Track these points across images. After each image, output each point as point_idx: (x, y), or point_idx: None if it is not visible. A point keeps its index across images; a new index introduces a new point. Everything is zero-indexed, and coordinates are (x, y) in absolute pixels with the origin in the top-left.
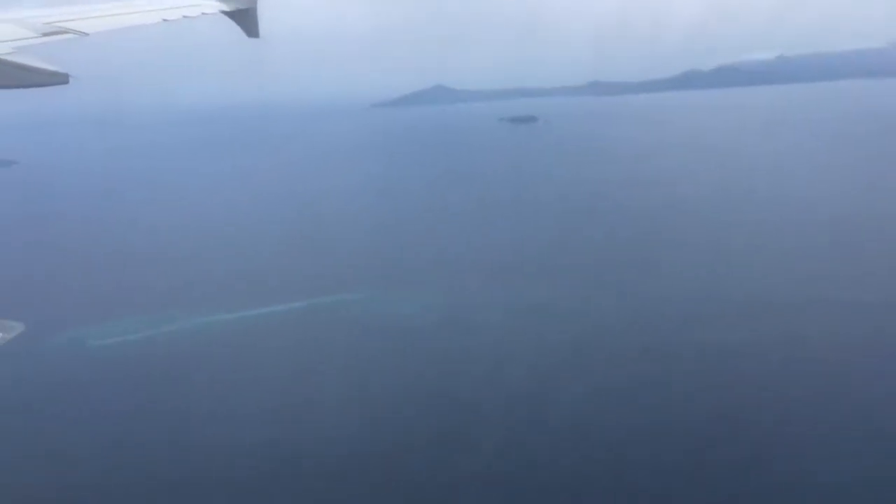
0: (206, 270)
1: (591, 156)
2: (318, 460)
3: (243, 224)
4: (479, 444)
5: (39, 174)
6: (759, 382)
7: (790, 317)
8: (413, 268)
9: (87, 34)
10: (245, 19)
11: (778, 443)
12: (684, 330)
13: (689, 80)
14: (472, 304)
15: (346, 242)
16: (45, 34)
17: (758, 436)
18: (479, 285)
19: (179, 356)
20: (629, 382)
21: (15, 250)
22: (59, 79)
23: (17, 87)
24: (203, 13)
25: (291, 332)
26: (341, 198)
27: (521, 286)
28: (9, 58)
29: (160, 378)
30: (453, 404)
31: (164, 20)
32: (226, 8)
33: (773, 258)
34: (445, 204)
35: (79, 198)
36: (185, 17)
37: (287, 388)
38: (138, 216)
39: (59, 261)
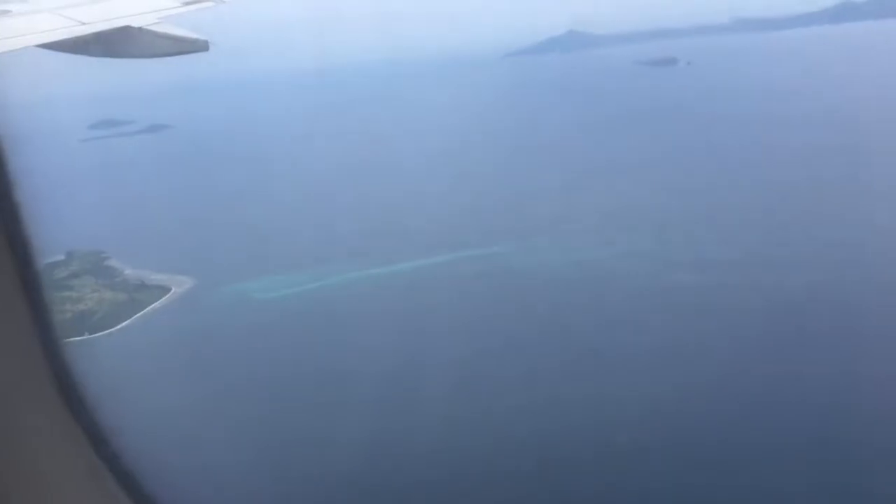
0: (368, 223)
1: (739, 98)
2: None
3: (397, 178)
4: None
5: (195, 138)
6: None
7: None
8: (581, 220)
9: (224, 1)
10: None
11: None
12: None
13: (844, 12)
14: (637, 257)
15: (506, 195)
16: (186, 3)
17: None
18: (644, 240)
19: (340, 308)
20: None
21: (180, 210)
22: (200, 46)
23: (162, 55)
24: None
25: (455, 283)
26: (496, 151)
27: (689, 240)
28: (153, 28)
29: (325, 329)
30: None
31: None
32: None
33: None
34: (601, 153)
35: (236, 160)
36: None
37: (457, 339)
38: (296, 178)
39: (219, 220)
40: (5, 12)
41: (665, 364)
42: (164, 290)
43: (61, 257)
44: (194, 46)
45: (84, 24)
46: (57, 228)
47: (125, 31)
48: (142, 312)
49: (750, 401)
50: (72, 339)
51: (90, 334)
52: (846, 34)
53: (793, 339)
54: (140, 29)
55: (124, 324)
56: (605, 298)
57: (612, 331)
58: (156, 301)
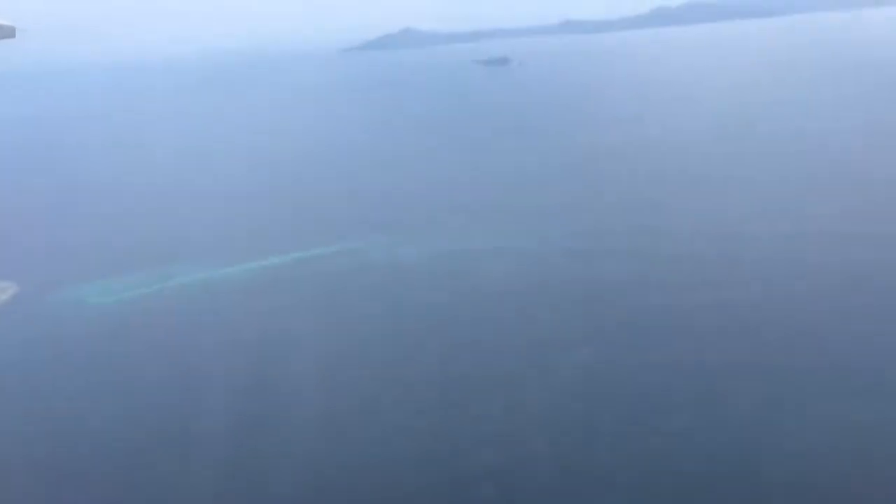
0: (195, 224)
1: (568, 95)
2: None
3: (228, 175)
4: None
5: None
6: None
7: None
8: (407, 214)
9: None
10: None
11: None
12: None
13: (658, 17)
14: (464, 247)
15: (336, 190)
16: None
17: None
18: (470, 228)
19: (180, 312)
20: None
21: None
22: (6, 32)
23: None
24: None
25: (292, 284)
26: (326, 145)
27: (508, 227)
28: None
29: (163, 335)
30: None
31: None
32: None
33: (750, 191)
34: (431, 147)
35: (51, 152)
36: None
37: (291, 341)
38: (117, 171)
39: (43, 219)
40: None
41: None
42: None
43: None
44: (1, 33)
45: None
46: None
47: None
48: None
49: None
50: None
51: None
52: (660, 37)
53: None
54: None
55: None
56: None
57: None
58: None
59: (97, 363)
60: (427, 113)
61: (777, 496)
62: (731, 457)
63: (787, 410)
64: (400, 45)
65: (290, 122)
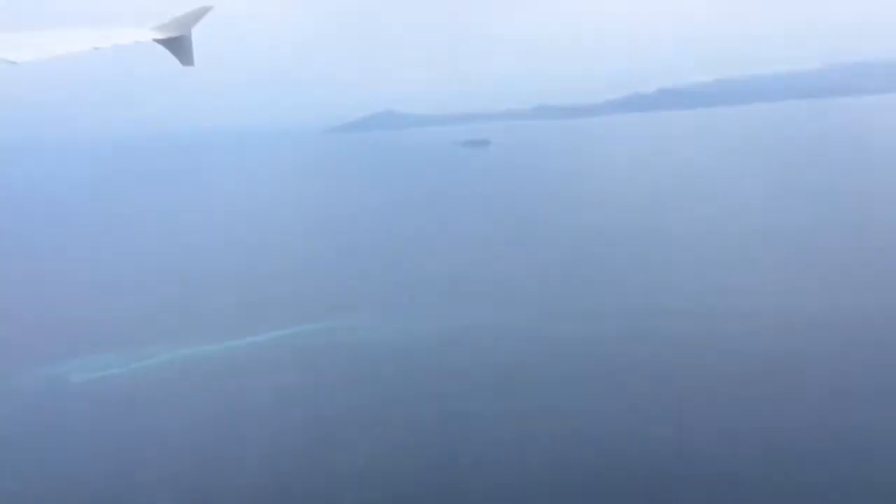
0: (180, 301)
1: (549, 178)
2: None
3: (212, 254)
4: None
5: None
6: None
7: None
8: (388, 293)
9: (16, 63)
10: (179, 47)
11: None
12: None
13: (632, 103)
14: (446, 326)
15: (318, 269)
16: None
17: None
18: (451, 308)
19: (165, 390)
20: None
21: None
22: None
23: None
24: (135, 41)
25: (275, 362)
26: (310, 225)
27: (491, 307)
28: None
29: (147, 414)
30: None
31: (95, 48)
32: (159, 35)
33: (715, 268)
34: (419, 228)
35: (30, 229)
36: (116, 45)
37: (276, 420)
38: (98, 248)
39: (19, 293)
40: None
41: None
42: None
43: None
44: None
45: None
46: None
47: None
48: None
49: None
50: None
51: None
52: (635, 122)
53: None
54: None
55: None
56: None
57: None
58: None
59: (75, 441)
60: (411, 193)
61: None
62: None
63: None
64: (381, 127)
65: (271, 202)
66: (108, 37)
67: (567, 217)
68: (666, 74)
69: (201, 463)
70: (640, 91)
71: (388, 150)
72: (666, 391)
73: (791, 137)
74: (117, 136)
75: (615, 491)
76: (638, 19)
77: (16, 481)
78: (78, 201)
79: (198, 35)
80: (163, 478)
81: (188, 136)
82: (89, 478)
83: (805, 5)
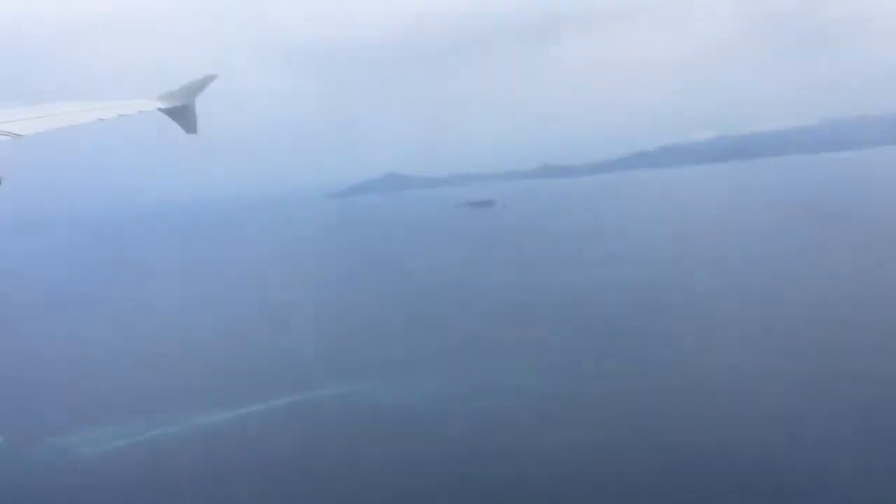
0: (185, 370)
1: (558, 236)
2: None
3: (217, 321)
4: None
5: None
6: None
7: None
8: (399, 357)
9: (20, 135)
10: (183, 116)
11: None
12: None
13: (635, 160)
14: (457, 390)
15: (327, 335)
16: None
17: None
18: (463, 371)
19: (175, 462)
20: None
21: None
22: None
23: None
24: (139, 111)
25: (287, 429)
26: (318, 290)
27: (503, 369)
28: None
29: (159, 488)
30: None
31: (100, 119)
32: (163, 105)
33: (727, 327)
34: (429, 290)
35: (35, 304)
36: (120, 115)
37: (294, 490)
38: (104, 319)
39: (28, 368)
40: None
41: None
42: None
43: None
44: None
45: None
46: None
47: None
48: None
49: None
50: None
51: None
52: (639, 179)
53: None
54: None
55: None
56: None
57: None
58: None
59: None
60: (419, 254)
61: None
62: None
63: None
64: (383, 189)
65: (278, 266)
66: (112, 108)
67: (579, 275)
68: (667, 132)
69: None
70: (642, 149)
71: (393, 211)
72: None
73: (794, 190)
74: (119, 207)
75: None
76: (637, 79)
77: None
78: (82, 273)
79: (200, 105)
80: None
81: (192, 205)
82: None
83: (801, 64)
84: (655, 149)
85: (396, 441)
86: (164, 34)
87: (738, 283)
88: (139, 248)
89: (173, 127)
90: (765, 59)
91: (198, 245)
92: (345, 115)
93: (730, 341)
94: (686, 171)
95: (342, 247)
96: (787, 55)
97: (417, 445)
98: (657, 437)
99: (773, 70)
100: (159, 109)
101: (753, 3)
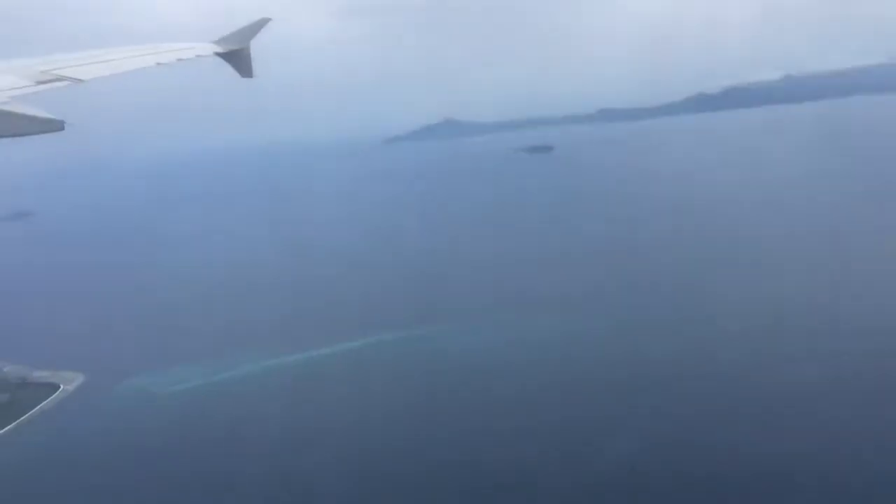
0: (255, 314)
1: (619, 182)
2: None
3: (282, 267)
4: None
5: (61, 224)
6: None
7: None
8: (465, 303)
9: (82, 80)
10: (239, 60)
11: None
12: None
13: (697, 103)
14: (529, 334)
15: (397, 279)
16: (41, 82)
17: None
18: (521, 317)
19: (248, 401)
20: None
21: (57, 300)
22: (55, 126)
23: (13, 135)
24: (197, 55)
25: (354, 371)
26: (385, 235)
27: (569, 315)
28: (3, 107)
29: (232, 424)
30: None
31: (159, 64)
32: (219, 49)
33: (788, 273)
34: (491, 236)
35: (108, 247)
36: (179, 59)
37: (357, 429)
38: (177, 264)
39: (105, 310)
40: None
41: None
42: (52, 387)
43: None
44: (48, 126)
45: None
46: None
47: None
48: (28, 414)
49: None
50: None
51: None
52: (701, 123)
53: None
54: None
55: (10, 427)
56: None
57: None
58: (44, 400)
59: (159, 453)
60: (479, 200)
61: None
62: None
63: None
64: (441, 136)
65: (343, 212)
66: (170, 52)
67: (641, 222)
68: (730, 73)
69: (285, 473)
70: (704, 91)
71: (450, 157)
72: (755, 394)
73: (864, 134)
74: (178, 152)
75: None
76: (699, 17)
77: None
78: (155, 216)
79: (255, 49)
80: (246, 490)
81: (247, 152)
82: (174, 490)
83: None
84: (719, 90)
85: (472, 381)
86: None
87: (822, 231)
88: (203, 193)
89: (230, 71)
90: None
91: (258, 191)
92: (399, 59)
93: (820, 289)
94: (752, 113)
95: (402, 193)
96: None
97: (492, 388)
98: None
99: (840, 6)
100: (216, 54)
101: None
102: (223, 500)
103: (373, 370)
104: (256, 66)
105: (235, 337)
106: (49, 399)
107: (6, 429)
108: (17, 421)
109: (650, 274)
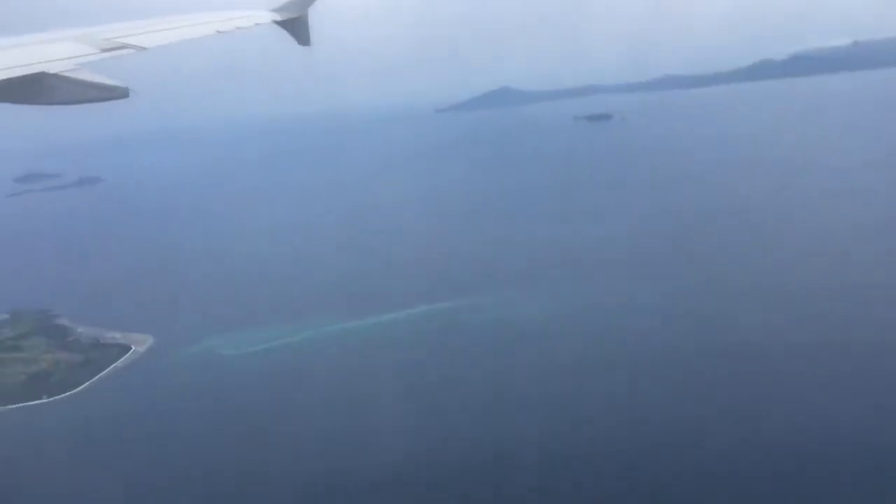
0: (319, 279)
1: (676, 151)
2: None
3: (344, 233)
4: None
5: (129, 190)
6: None
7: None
8: (529, 269)
9: (145, 48)
10: (296, 28)
11: None
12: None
13: (762, 70)
14: (591, 302)
15: (457, 247)
16: (105, 50)
17: None
18: (587, 286)
19: (314, 365)
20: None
21: (127, 265)
22: (120, 93)
23: (79, 102)
24: (256, 24)
25: (421, 336)
26: (444, 204)
27: (634, 283)
28: (70, 74)
29: (298, 387)
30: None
31: (219, 32)
32: (278, 17)
33: (855, 245)
34: (552, 205)
35: (175, 213)
36: (238, 28)
37: (424, 393)
38: (242, 230)
39: (173, 274)
40: None
41: None
42: (123, 348)
43: (5, 316)
44: (114, 93)
45: None
46: None
47: (41, 77)
48: (103, 373)
49: None
50: (29, 402)
51: (48, 397)
52: (766, 90)
53: None
54: (56, 75)
55: (85, 385)
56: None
57: None
58: (116, 361)
59: (227, 414)
60: (539, 169)
61: None
62: None
63: None
64: (497, 104)
65: (401, 182)
66: (230, 20)
67: (706, 191)
68: (796, 39)
69: (346, 437)
70: (770, 57)
71: (507, 126)
72: (814, 369)
73: None
74: (240, 120)
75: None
76: None
77: (172, 454)
78: (220, 183)
79: (312, 17)
80: (310, 451)
81: (308, 119)
82: (238, 450)
83: None
84: (785, 57)
85: (533, 349)
86: None
87: (871, 202)
88: (264, 159)
89: (288, 39)
90: None
91: (317, 159)
92: (452, 26)
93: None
94: (818, 80)
95: (460, 162)
96: None
97: (554, 354)
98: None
99: None
100: (274, 22)
101: None
102: (289, 460)
103: (434, 336)
104: (313, 34)
105: (301, 302)
106: (121, 359)
107: (83, 386)
108: (92, 380)
109: (719, 244)
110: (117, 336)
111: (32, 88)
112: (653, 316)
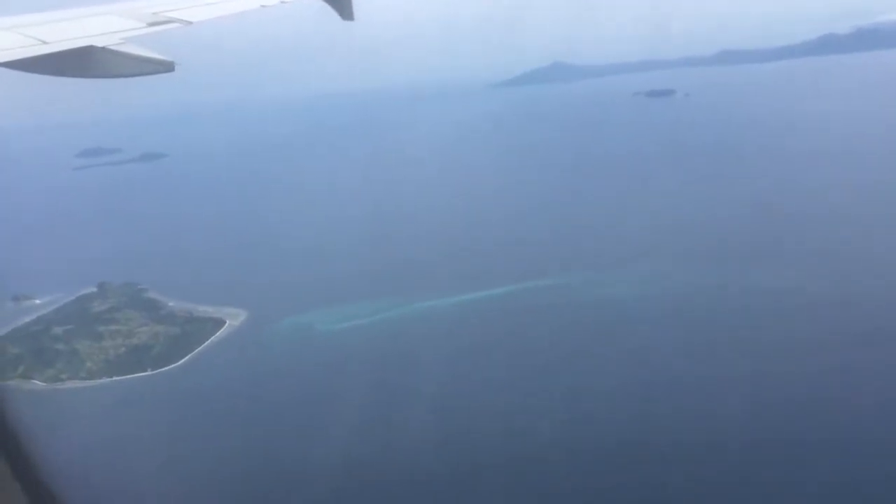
0: (406, 257)
1: (745, 128)
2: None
3: (422, 212)
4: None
5: (196, 165)
6: None
7: None
8: (605, 250)
9: (191, 23)
10: (340, 2)
11: None
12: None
13: (825, 45)
14: (672, 284)
15: (532, 226)
16: (151, 24)
17: None
18: (664, 267)
19: (409, 340)
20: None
21: (209, 239)
22: (166, 67)
23: (126, 76)
24: None
25: (513, 315)
26: (508, 179)
27: (703, 268)
28: (117, 48)
29: (403, 364)
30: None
31: (263, 6)
32: None
33: None
34: (622, 184)
35: (245, 188)
36: (282, 1)
37: (523, 373)
38: (321, 204)
39: (258, 249)
40: None
41: None
42: (218, 322)
43: (93, 289)
44: (160, 67)
45: (46, 42)
46: (77, 259)
47: (88, 50)
48: (202, 346)
49: None
50: (133, 374)
51: (152, 370)
52: (830, 66)
53: None
54: (103, 49)
55: (187, 358)
56: None
57: None
58: (213, 334)
59: (323, 390)
60: (606, 147)
61: None
62: None
63: None
64: (550, 80)
65: (455, 161)
66: None
67: (790, 170)
68: (862, 12)
69: (463, 420)
70: (833, 31)
71: (564, 102)
72: None
73: None
74: (289, 95)
75: None
76: None
77: (263, 426)
78: (284, 158)
79: None
80: (413, 426)
81: (358, 94)
82: (333, 426)
83: None
84: (849, 30)
85: (618, 329)
86: None
87: None
88: (323, 136)
89: (331, 13)
90: None
91: (376, 134)
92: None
93: None
94: (886, 55)
95: (524, 138)
96: None
97: (639, 335)
98: None
99: None
100: None
101: None
102: (387, 434)
103: (527, 315)
104: (358, 9)
105: (396, 277)
106: (217, 333)
107: (185, 359)
108: (193, 353)
109: (791, 225)
110: (209, 310)
111: (81, 62)
112: (732, 299)
